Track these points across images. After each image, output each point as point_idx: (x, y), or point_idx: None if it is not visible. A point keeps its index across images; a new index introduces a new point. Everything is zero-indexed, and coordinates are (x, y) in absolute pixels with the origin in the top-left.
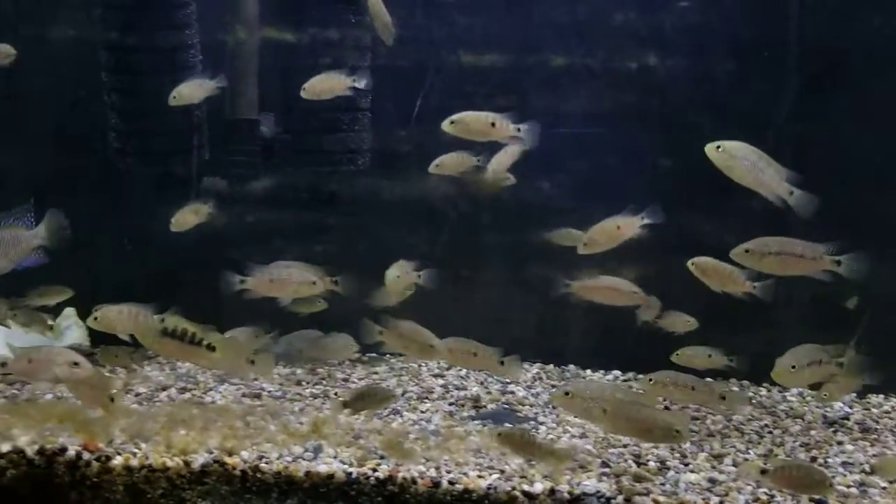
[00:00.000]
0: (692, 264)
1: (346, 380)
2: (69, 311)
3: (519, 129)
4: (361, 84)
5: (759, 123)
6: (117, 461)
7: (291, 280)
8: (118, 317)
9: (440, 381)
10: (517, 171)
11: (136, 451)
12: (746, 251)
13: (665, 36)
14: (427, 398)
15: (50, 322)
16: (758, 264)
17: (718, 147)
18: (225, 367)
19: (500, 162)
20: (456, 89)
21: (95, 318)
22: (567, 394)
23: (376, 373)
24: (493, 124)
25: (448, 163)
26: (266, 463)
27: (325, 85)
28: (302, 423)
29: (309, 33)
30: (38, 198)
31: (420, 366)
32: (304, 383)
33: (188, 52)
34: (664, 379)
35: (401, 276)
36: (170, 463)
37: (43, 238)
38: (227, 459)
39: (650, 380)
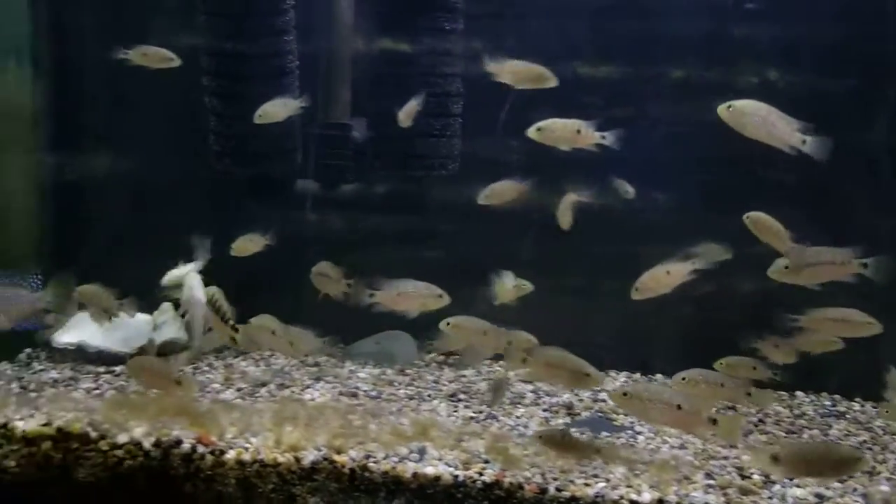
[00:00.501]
0: (747, 217)
1: (436, 382)
2: (166, 306)
3: (604, 137)
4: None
5: (870, 136)
6: (230, 455)
7: (419, 294)
8: None
9: (529, 387)
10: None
11: (247, 445)
12: (785, 268)
13: (781, 49)
14: (520, 403)
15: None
16: (797, 278)
17: (729, 107)
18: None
19: (563, 212)
20: (572, 100)
21: None
22: (625, 394)
23: (464, 375)
24: (578, 131)
25: (497, 191)
26: (374, 462)
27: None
28: (403, 423)
29: (403, 40)
30: (145, 200)
31: (504, 368)
32: (395, 384)
33: (286, 58)
34: (696, 377)
35: (514, 286)
36: (280, 459)
37: (46, 302)
38: (336, 457)
39: (682, 378)
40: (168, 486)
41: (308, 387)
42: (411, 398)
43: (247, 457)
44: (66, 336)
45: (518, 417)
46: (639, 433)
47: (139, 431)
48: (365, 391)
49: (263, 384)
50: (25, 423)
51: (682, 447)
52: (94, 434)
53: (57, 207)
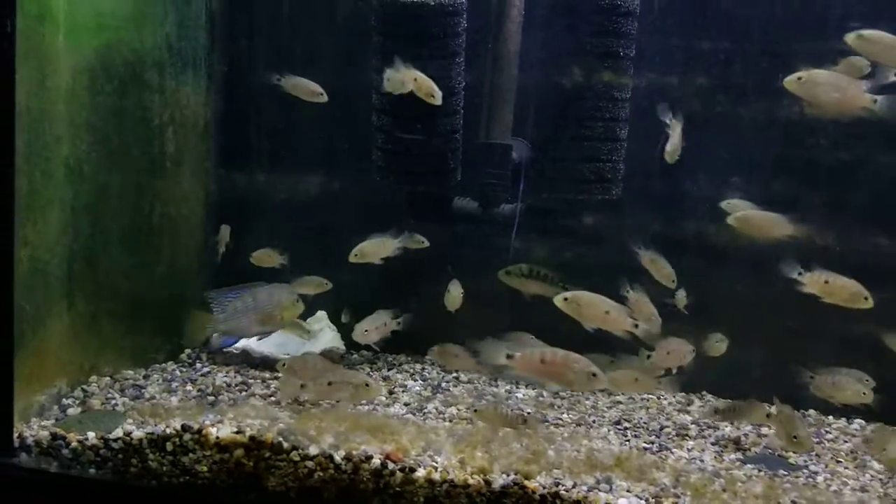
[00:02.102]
0: None
1: (594, 407)
2: (321, 315)
3: (875, 101)
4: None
5: None
6: (420, 473)
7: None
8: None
9: (689, 418)
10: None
11: (434, 464)
12: None
13: None
14: (686, 435)
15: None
16: None
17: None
18: None
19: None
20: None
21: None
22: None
23: (620, 402)
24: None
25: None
26: (564, 490)
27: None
28: (597, 452)
29: (573, 62)
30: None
31: (660, 398)
32: (556, 407)
33: (455, 79)
34: None
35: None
36: (471, 481)
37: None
38: (527, 483)
39: None
40: (357, 500)
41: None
42: (578, 424)
43: (436, 476)
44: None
45: (690, 450)
46: (815, 472)
47: (328, 444)
48: (530, 414)
49: (427, 399)
50: (218, 430)
51: (863, 489)
52: (286, 444)
53: (222, 220)
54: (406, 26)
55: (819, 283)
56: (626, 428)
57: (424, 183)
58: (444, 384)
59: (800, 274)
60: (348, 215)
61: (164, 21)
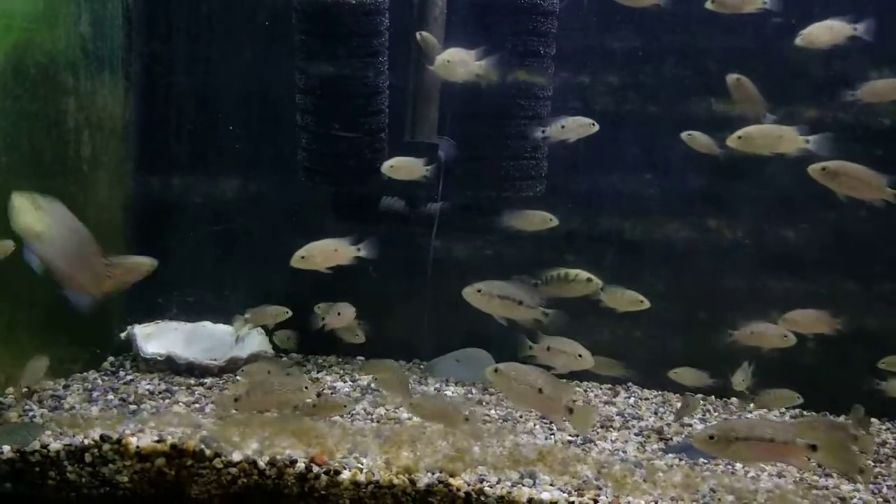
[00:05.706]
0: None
1: None
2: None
3: (808, 141)
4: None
5: None
6: (345, 475)
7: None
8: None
9: (614, 409)
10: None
11: (360, 466)
12: None
13: None
14: (611, 427)
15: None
16: None
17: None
18: None
19: None
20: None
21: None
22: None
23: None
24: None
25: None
26: (489, 486)
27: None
28: (521, 447)
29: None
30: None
31: (587, 391)
32: (484, 403)
33: (378, 79)
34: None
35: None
36: (396, 480)
37: None
38: (451, 481)
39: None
40: None
41: (401, 406)
42: (504, 420)
43: (362, 478)
44: (153, 346)
45: (613, 441)
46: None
47: (252, 449)
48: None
49: (356, 401)
50: (139, 439)
51: (780, 475)
52: (208, 451)
53: (144, 223)
54: (327, 25)
55: None
56: (551, 422)
57: (350, 183)
58: (373, 385)
59: None
60: (272, 217)
61: (78, 21)
